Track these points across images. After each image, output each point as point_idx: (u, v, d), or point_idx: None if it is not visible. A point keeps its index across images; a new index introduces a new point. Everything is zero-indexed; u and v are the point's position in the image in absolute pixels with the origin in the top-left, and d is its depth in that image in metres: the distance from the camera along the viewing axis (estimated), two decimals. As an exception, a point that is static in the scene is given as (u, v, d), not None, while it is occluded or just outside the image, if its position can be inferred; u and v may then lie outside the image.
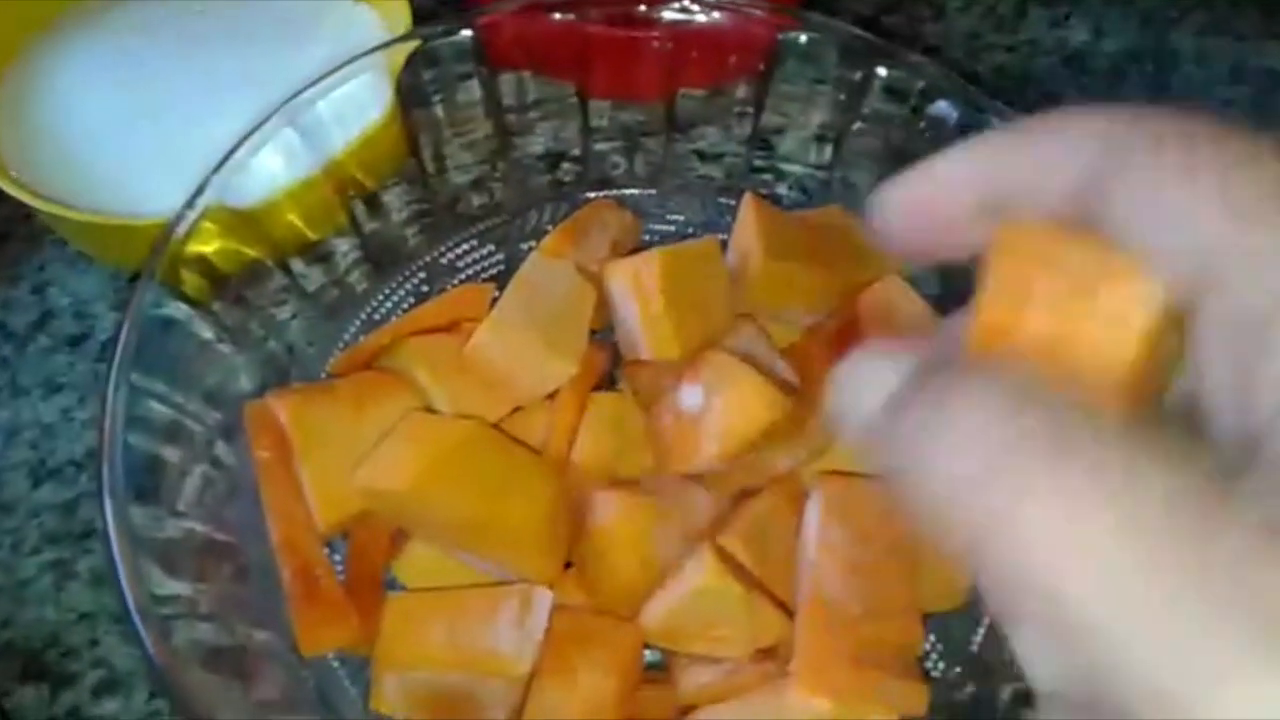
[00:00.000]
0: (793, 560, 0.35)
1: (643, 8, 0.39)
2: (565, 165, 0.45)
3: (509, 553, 0.34)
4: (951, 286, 0.41)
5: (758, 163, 0.44)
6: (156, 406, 0.34)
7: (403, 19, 0.45)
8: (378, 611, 0.35)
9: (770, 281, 0.39)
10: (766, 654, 0.35)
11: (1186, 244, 0.18)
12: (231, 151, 0.35)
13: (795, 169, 0.44)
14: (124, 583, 0.30)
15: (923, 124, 0.39)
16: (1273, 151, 0.18)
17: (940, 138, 0.39)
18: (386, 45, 0.39)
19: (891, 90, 0.39)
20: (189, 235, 0.35)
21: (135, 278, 0.45)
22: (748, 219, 0.39)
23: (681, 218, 0.45)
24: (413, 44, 0.39)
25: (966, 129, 0.38)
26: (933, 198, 0.21)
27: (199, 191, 0.35)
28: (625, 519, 0.35)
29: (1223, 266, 0.18)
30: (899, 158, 0.40)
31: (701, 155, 0.45)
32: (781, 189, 0.44)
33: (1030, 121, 0.20)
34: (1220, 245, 0.18)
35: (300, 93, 0.37)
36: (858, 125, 0.41)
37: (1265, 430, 0.16)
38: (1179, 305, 0.19)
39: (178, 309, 0.35)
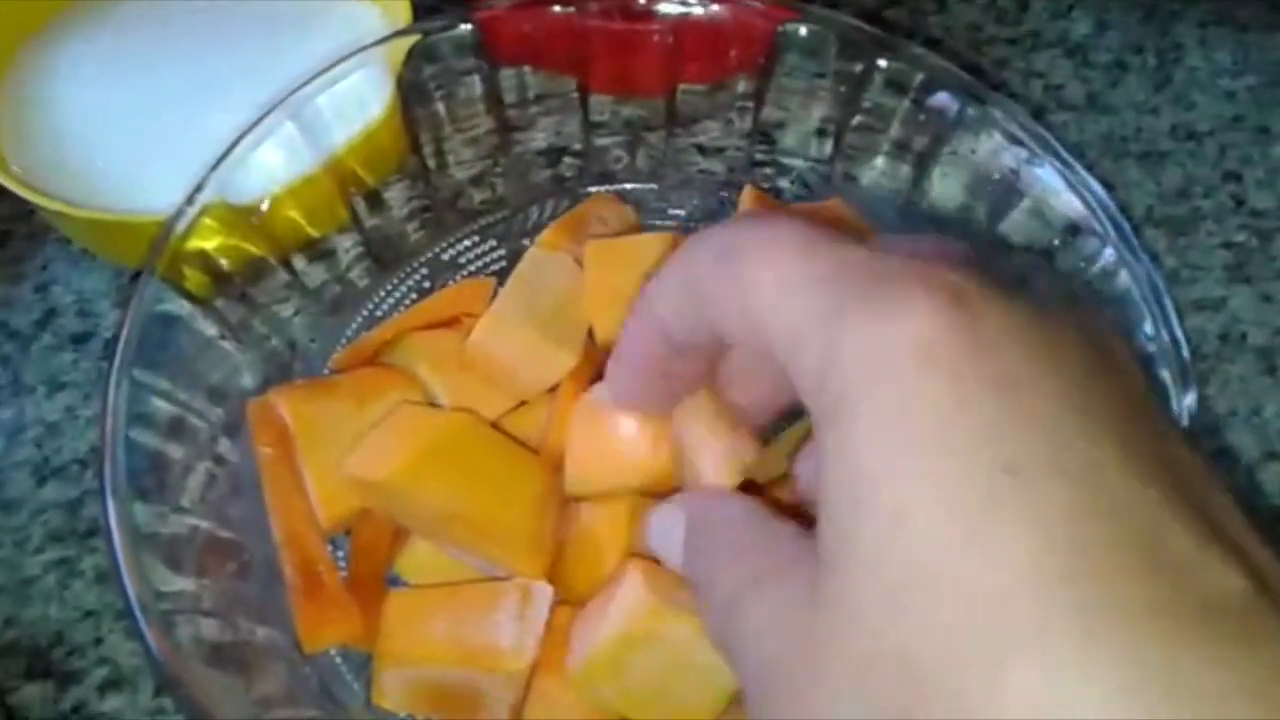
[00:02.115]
0: None
1: (642, 2, 0.39)
2: (566, 160, 0.45)
3: (495, 547, 0.34)
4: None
5: (759, 157, 0.44)
6: (159, 403, 0.34)
7: (403, 15, 0.45)
8: (380, 608, 0.35)
9: None
10: None
11: (753, 329, 0.23)
12: (232, 146, 0.35)
13: (796, 163, 0.43)
14: (126, 579, 0.30)
15: (923, 116, 0.39)
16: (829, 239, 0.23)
17: (941, 130, 0.39)
18: (387, 39, 0.38)
19: (892, 83, 0.39)
20: (189, 231, 0.35)
21: (138, 275, 0.46)
22: (741, 208, 0.39)
23: (683, 212, 0.45)
24: (413, 38, 0.39)
25: (967, 120, 0.38)
26: (638, 348, 0.29)
27: (199, 187, 0.35)
28: (610, 524, 0.35)
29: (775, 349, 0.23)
30: (900, 150, 0.40)
31: (702, 149, 0.45)
32: (783, 183, 0.44)
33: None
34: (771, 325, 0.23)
35: (301, 87, 0.37)
36: (859, 118, 0.41)
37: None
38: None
39: (179, 305, 0.35)
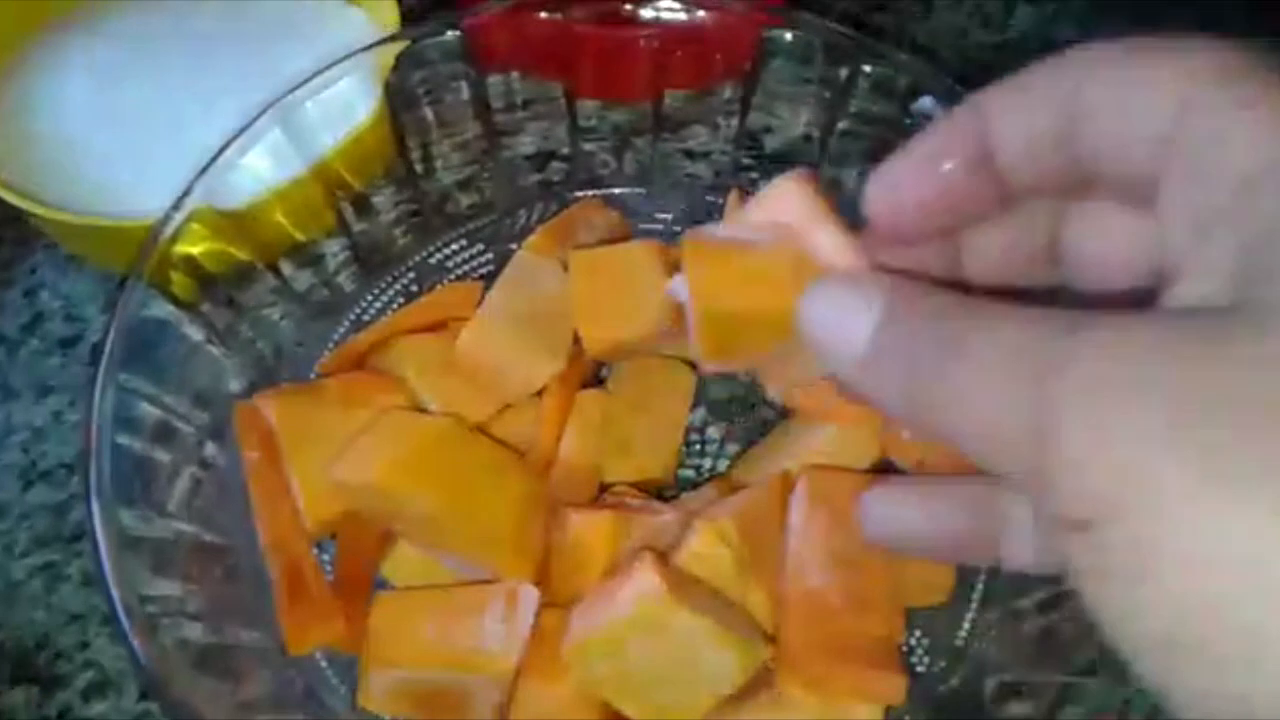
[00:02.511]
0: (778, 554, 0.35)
1: (629, 7, 0.39)
2: (554, 165, 0.45)
3: (481, 549, 0.34)
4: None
5: (745, 161, 0.44)
6: (145, 407, 0.34)
7: (391, 20, 0.45)
8: (366, 610, 0.35)
9: None
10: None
11: (1146, 132, 0.20)
12: (219, 152, 0.36)
13: (783, 167, 0.43)
14: (110, 583, 0.30)
15: (909, 120, 0.39)
16: (1231, 47, 0.21)
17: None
18: (375, 45, 0.39)
19: (878, 87, 0.39)
20: (176, 236, 0.35)
21: (126, 280, 0.46)
22: (730, 211, 0.39)
23: (670, 216, 0.45)
24: (401, 44, 0.39)
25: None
26: (926, 167, 0.24)
27: (186, 192, 0.35)
28: (595, 534, 0.35)
29: (1175, 152, 0.20)
30: (885, 153, 0.40)
31: (689, 154, 0.45)
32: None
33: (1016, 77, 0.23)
34: (1173, 131, 0.20)
35: (289, 93, 0.37)
36: (844, 123, 0.41)
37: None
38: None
39: (166, 310, 0.35)
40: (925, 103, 0.38)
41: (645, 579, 0.31)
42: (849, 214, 0.40)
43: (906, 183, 0.25)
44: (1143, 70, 0.21)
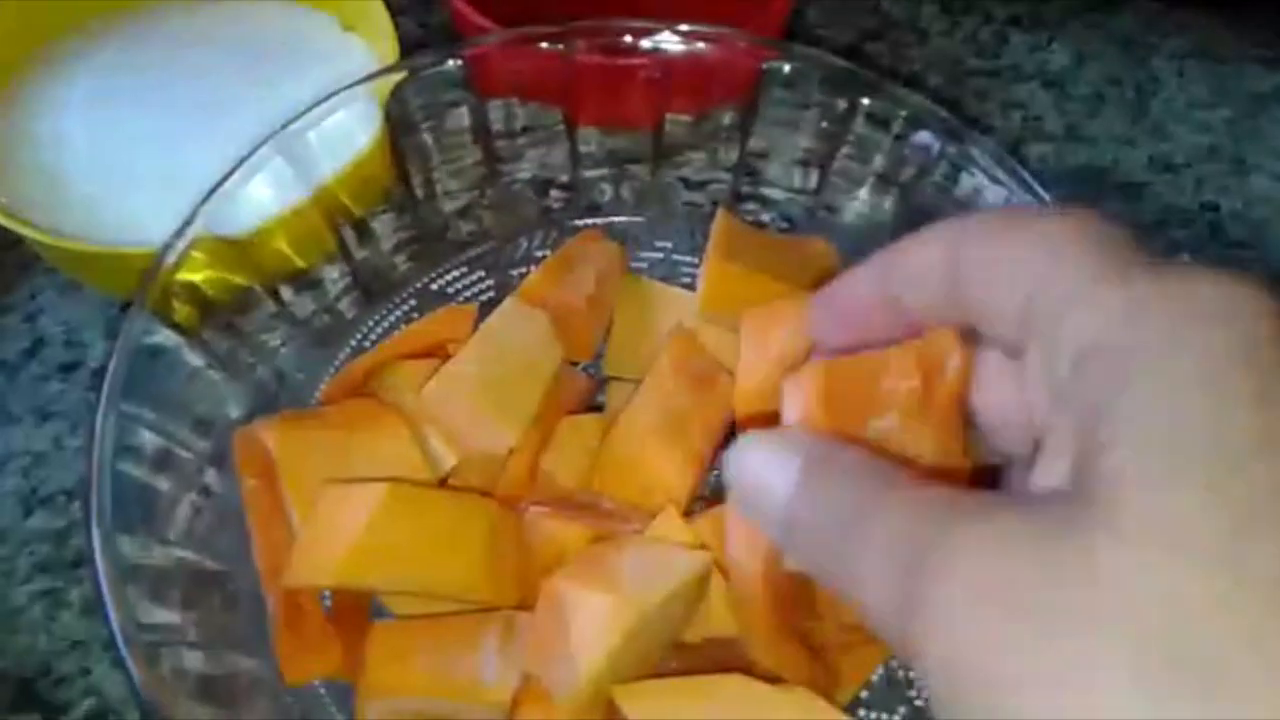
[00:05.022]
0: None
1: (629, 39, 0.40)
2: (554, 192, 0.45)
3: (459, 595, 0.35)
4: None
5: (743, 189, 0.44)
6: (146, 435, 0.34)
7: (390, 47, 0.46)
8: (362, 639, 0.35)
9: (721, 283, 0.39)
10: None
11: (1010, 304, 0.22)
12: (222, 181, 0.36)
13: (780, 196, 0.44)
14: (110, 612, 0.30)
15: (906, 151, 0.39)
16: (1089, 213, 0.22)
17: (924, 166, 0.39)
18: (377, 76, 0.39)
19: (875, 118, 0.40)
20: (178, 264, 0.35)
21: (127, 305, 0.46)
22: (714, 229, 0.40)
23: (669, 244, 0.45)
24: (402, 74, 0.39)
25: (948, 158, 0.38)
26: (850, 299, 0.27)
27: (188, 221, 0.35)
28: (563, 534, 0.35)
29: (1031, 324, 0.22)
30: (883, 184, 0.41)
31: (688, 182, 0.45)
32: (766, 216, 0.45)
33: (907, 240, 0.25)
34: (1037, 289, 0.22)
35: (291, 122, 0.37)
36: (842, 152, 0.41)
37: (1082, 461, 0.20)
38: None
39: (167, 337, 0.35)
40: (923, 136, 0.38)
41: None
42: (844, 248, 0.41)
43: (835, 319, 0.28)
44: (1010, 243, 0.23)
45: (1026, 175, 0.37)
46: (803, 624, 0.34)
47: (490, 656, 0.34)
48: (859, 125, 0.40)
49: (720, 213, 0.41)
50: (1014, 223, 0.23)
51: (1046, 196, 0.36)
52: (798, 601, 0.34)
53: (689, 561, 0.33)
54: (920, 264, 0.25)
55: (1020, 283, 0.22)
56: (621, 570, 0.33)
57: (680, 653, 0.35)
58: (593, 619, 0.31)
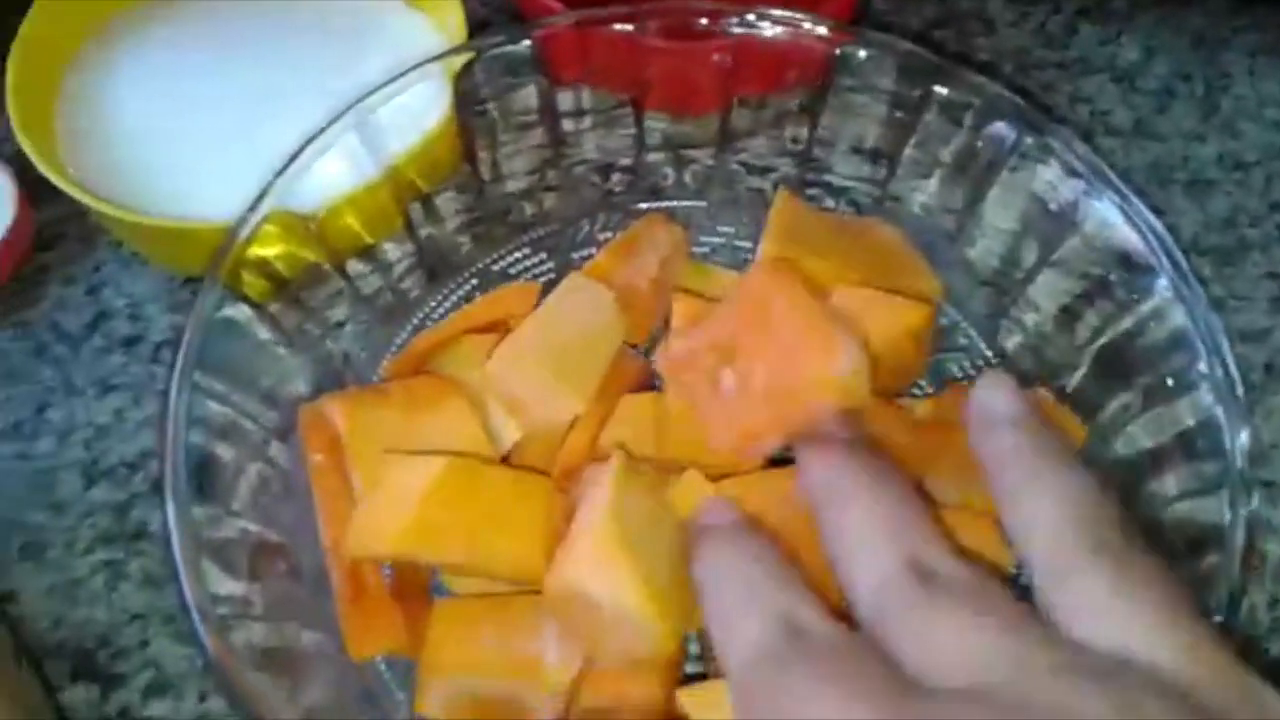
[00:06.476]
0: None
1: (703, 21, 0.39)
2: (615, 175, 0.45)
3: (518, 576, 0.34)
4: (999, 306, 0.41)
5: (808, 176, 0.44)
6: (214, 406, 0.34)
7: (457, 24, 0.46)
8: (424, 616, 0.35)
9: (775, 265, 0.38)
10: None
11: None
12: (296, 155, 0.36)
13: (847, 184, 0.43)
14: (184, 583, 0.30)
15: (979, 143, 0.39)
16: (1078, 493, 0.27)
17: (997, 158, 0.39)
18: (449, 54, 0.39)
19: (948, 108, 0.39)
20: (252, 238, 0.35)
21: (190, 280, 0.46)
22: (772, 210, 0.40)
23: (731, 230, 0.45)
24: (472, 54, 0.39)
25: (1023, 149, 0.38)
26: None
27: (262, 195, 0.35)
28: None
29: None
30: (954, 176, 0.40)
31: (752, 168, 0.45)
32: (830, 203, 0.44)
33: None
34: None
35: (364, 98, 0.37)
36: (912, 142, 0.41)
37: None
38: None
39: (240, 311, 0.35)
40: (999, 128, 0.38)
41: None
42: (920, 242, 0.41)
43: None
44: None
45: (1105, 168, 0.36)
46: None
47: (552, 638, 0.34)
48: (932, 113, 0.40)
49: (780, 194, 0.40)
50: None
51: (1127, 192, 0.36)
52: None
53: (601, 471, 0.33)
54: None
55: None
56: (574, 527, 0.32)
57: None
58: (591, 568, 0.31)
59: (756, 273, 0.35)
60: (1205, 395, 0.33)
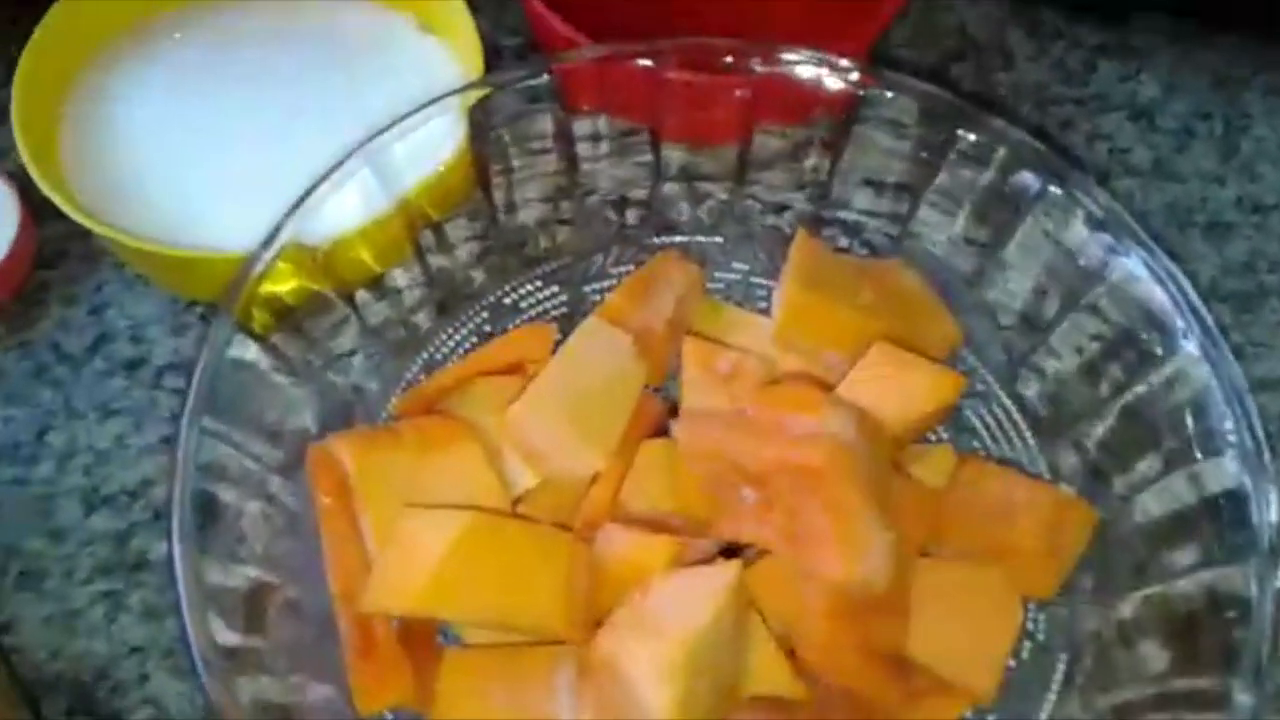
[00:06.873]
0: None
1: (729, 59, 0.39)
2: (630, 210, 0.44)
3: (533, 631, 0.34)
4: (1019, 353, 0.40)
5: (824, 214, 0.43)
6: (223, 449, 0.33)
7: (473, 53, 0.45)
8: (432, 667, 0.35)
9: (798, 312, 0.38)
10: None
11: None
12: (310, 192, 0.35)
13: (863, 220, 0.43)
14: (191, 635, 0.29)
15: (1004, 190, 0.38)
16: None
17: (1020, 206, 0.38)
18: (467, 89, 0.38)
19: (970, 151, 0.39)
20: (265, 274, 0.34)
21: (194, 303, 0.45)
22: (792, 252, 0.39)
23: (746, 266, 0.44)
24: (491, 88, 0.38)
25: (1048, 199, 0.37)
26: None
27: (276, 231, 0.35)
28: (637, 552, 0.35)
29: None
30: (976, 223, 0.40)
31: (767, 204, 0.44)
32: (846, 242, 0.43)
33: None
34: None
35: (379, 134, 0.36)
36: (934, 185, 0.40)
37: None
38: None
39: (249, 349, 0.34)
40: (1025, 178, 0.37)
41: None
42: (938, 286, 0.40)
43: None
44: None
45: (1131, 222, 0.36)
46: (884, 638, 0.34)
47: (565, 692, 0.33)
48: (954, 156, 0.39)
49: (799, 235, 0.40)
50: None
51: (1154, 246, 0.35)
52: (874, 615, 0.34)
53: (718, 574, 0.33)
54: None
55: None
56: (658, 610, 0.33)
57: (749, 710, 0.34)
58: (650, 670, 0.31)
59: (816, 449, 0.33)
60: (1231, 462, 0.32)
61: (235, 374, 0.34)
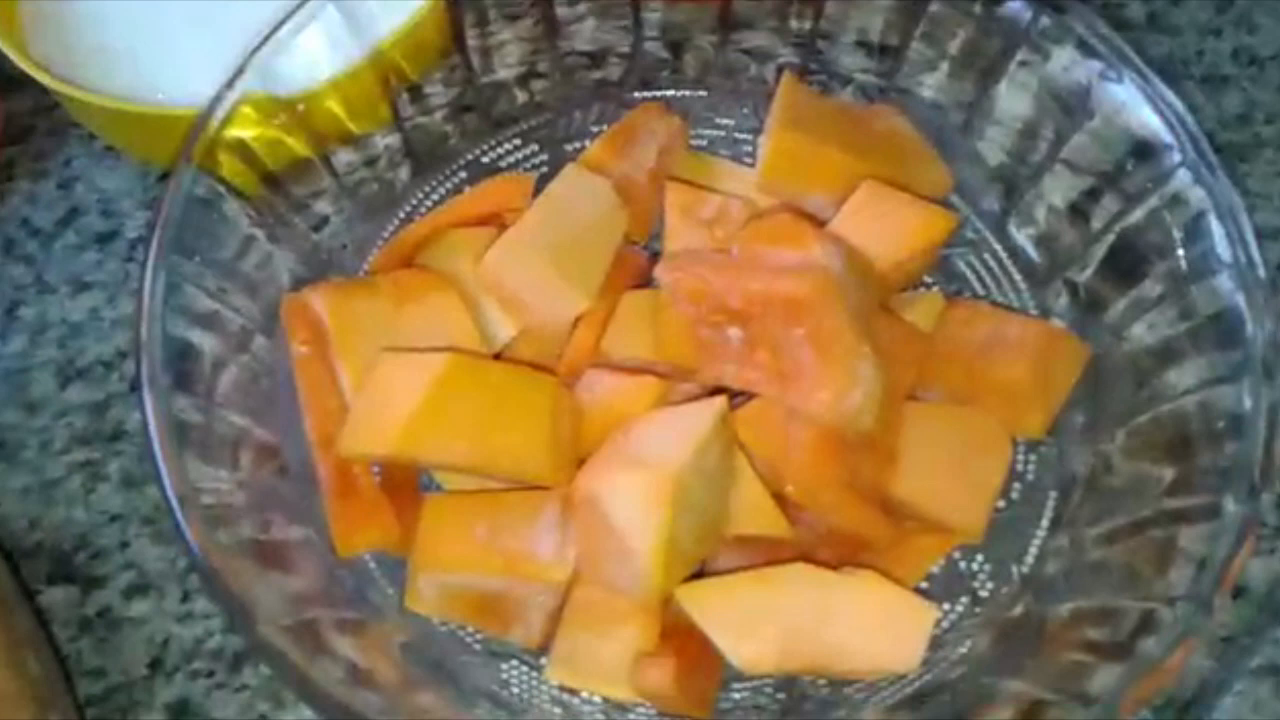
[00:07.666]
0: None
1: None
2: (611, 63, 0.43)
3: (518, 474, 0.33)
4: (1009, 199, 0.39)
5: (812, 65, 0.42)
6: (195, 293, 0.32)
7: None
8: (414, 511, 0.34)
9: (784, 154, 0.37)
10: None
11: None
12: (274, 30, 0.34)
13: (853, 73, 0.42)
14: (164, 471, 0.29)
15: (993, 24, 0.37)
16: None
17: (1011, 39, 0.37)
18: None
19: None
20: (228, 118, 0.33)
21: (165, 175, 0.44)
22: (778, 95, 0.38)
23: (731, 122, 0.43)
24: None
25: (1040, 30, 0.36)
26: None
27: (239, 72, 0.34)
28: (621, 396, 0.34)
29: None
30: (965, 61, 0.39)
31: (753, 56, 0.43)
32: (836, 90, 0.42)
33: None
34: None
35: (345, -28, 0.35)
36: (922, 26, 0.39)
37: None
38: None
39: (215, 190, 0.33)
40: (1014, 7, 0.36)
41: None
42: (929, 133, 0.39)
43: None
44: None
45: (1125, 46, 0.35)
46: (871, 478, 0.34)
47: (548, 533, 0.33)
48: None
49: (786, 78, 0.39)
50: None
51: (1148, 72, 0.34)
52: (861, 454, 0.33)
53: (702, 409, 0.32)
54: None
55: None
56: (641, 445, 0.32)
57: (734, 551, 0.34)
58: (633, 501, 0.30)
59: (802, 280, 0.32)
60: (1225, 282, 0.32)
61: (206, 219, 0.33)
